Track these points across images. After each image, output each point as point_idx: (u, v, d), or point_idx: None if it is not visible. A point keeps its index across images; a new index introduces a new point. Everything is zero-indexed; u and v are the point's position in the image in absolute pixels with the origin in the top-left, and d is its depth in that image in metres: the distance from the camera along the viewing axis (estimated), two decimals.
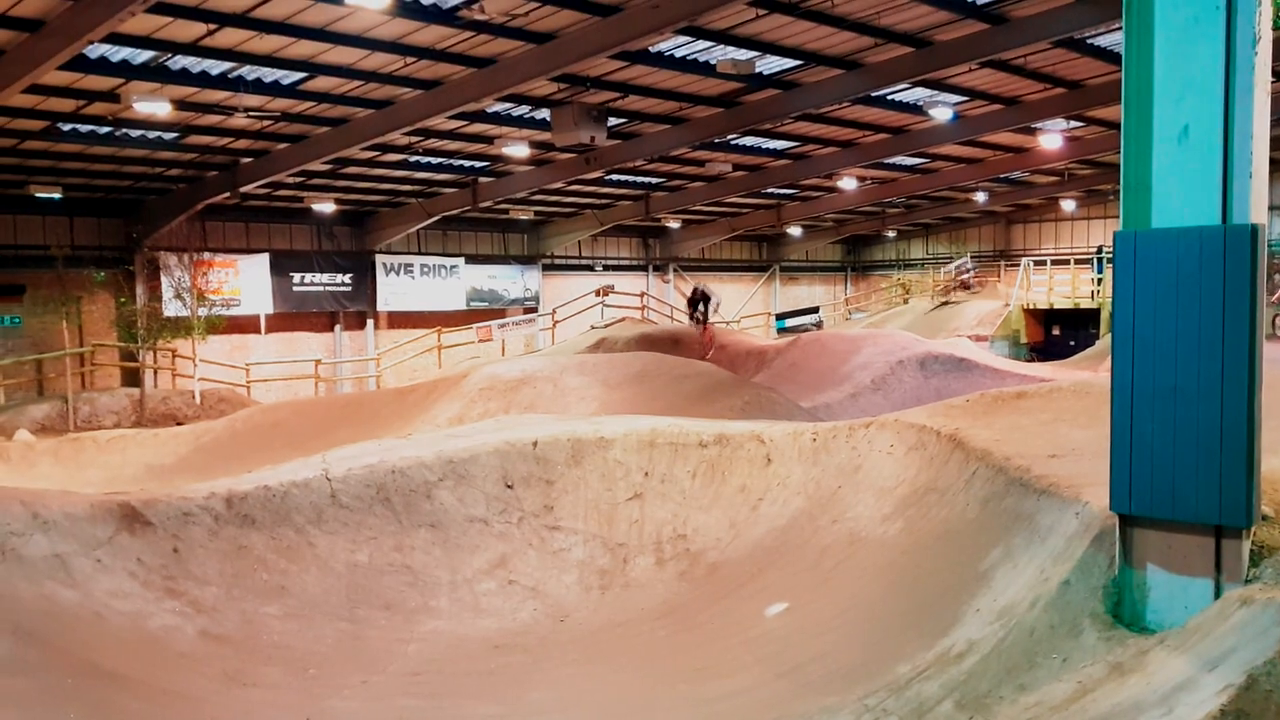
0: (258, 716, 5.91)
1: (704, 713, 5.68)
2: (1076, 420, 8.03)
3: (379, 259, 30.15)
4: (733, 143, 24.95)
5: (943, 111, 21.82)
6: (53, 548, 7.00)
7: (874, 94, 20.36)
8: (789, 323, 36.49)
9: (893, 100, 21.79)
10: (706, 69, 18.02)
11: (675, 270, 38.90)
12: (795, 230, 40.08)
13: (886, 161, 28.03)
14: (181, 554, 7.50)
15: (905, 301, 39.16)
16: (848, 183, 31.43)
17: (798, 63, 18.36)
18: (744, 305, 40.79)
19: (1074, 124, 25.00)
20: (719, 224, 37.43)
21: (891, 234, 44.54)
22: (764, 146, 26.19)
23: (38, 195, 23.02)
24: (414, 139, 21.53)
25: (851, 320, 39.14)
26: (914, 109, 22.25)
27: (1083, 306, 32.03)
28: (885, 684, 5.13)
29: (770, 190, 31.95)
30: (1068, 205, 39.53)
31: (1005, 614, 5.12)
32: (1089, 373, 18.78)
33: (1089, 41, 18.14)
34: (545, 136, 20.75)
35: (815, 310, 37.80)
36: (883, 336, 23.09)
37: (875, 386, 19.66)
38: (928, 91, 21.11)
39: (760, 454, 9.02)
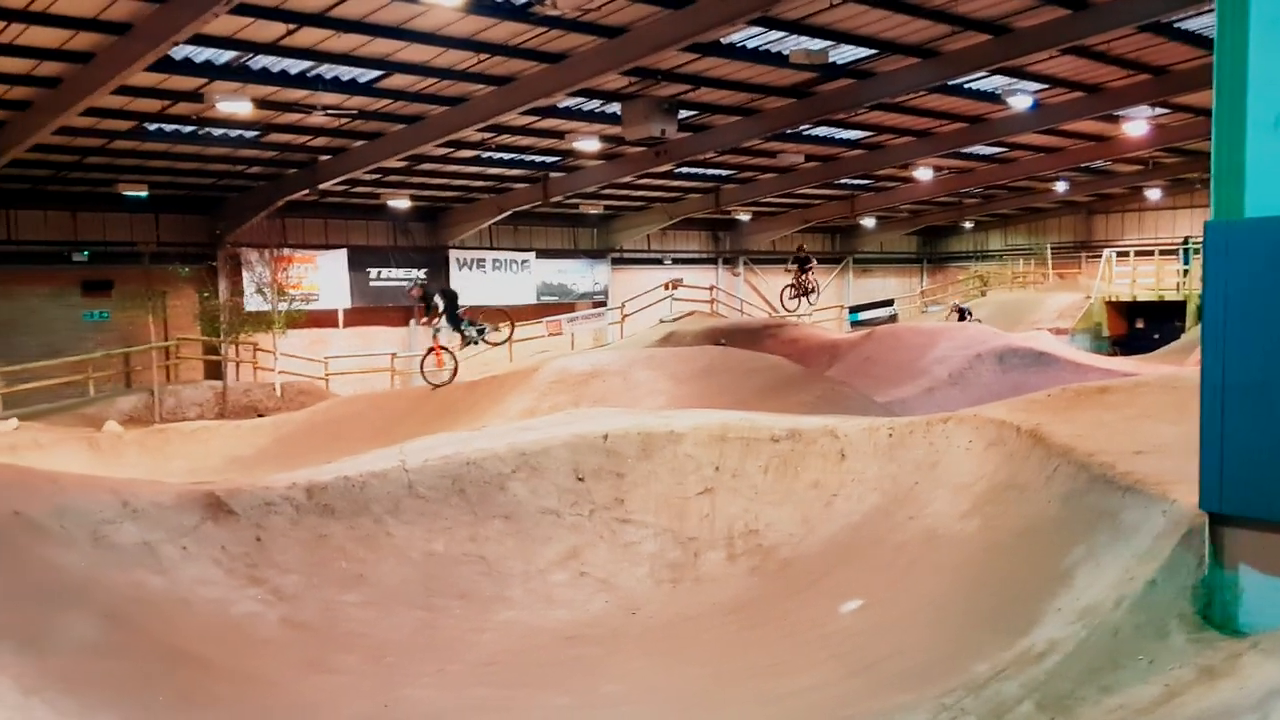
0: (336, 703, 6.01)
1: (776, 709, 5.64)
2: (1163, 416, 7.80)
3: (452, 254, 30.52)
4: (805, 133, 24.74)
5: (1022, 100, 21.38)
6: (142, 535, 7.20)
7: (951, 82, 20.04)
8: (862, 316, 36.06)
9: (970, 89, 21.42)
10: (779, 59, 17.90)
11: (745, 264, 38.68)
12: (869, 222, 39.61)
13: (963, 151, 27.57)
14: (264, 543, 7.66)
15: (983, 294, 38.46)
16: (923, 173, 30.98)
17: (872, 52, 18.14)
18: (817, 298, 40.41)
19: (1160, 111, 24.29)
20: (790, 216, 37.14)
21: (968, 225, 43.77)
22: (837, 137, 25.92)
23: (126, 194, 23.71)
24: (486, 135, 21.73)
25: (927, 313, 38.55)
26: (992, 97, 21.84)
27: (1167, 299, 31.13)
28: (962, 683, 5.04)
29: (843, 181, 31.62)
30: (1152, 194, 38.44)
31: (1088, 614, 5.00)
32: (1175, 367, 18.26)
33: (1176, 25, 17.62)
34: (616, 130, 20.79)
35: (890, 303, 37.30)
36: (960, 330, 22.74)
37: (952, 381, 19.36)
38: (1006, 79, 20.70)
39: (834, 449, 8.92)
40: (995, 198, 39.06)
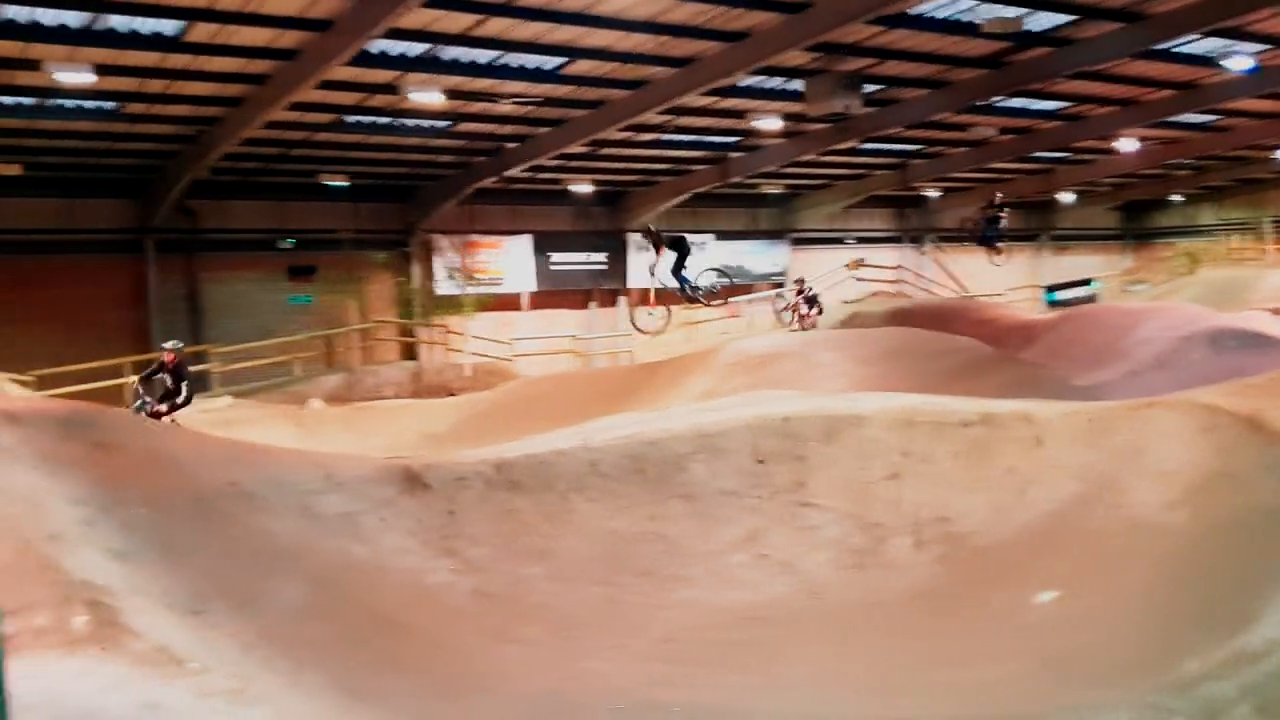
0: (521, 672, 6.19)
1: (965, 699, 5.46)
2: None
3: (631, 237, 30.84)
4: (998, 105, 23.73)
5: (1240, 62, 19.86)
6: (344, 506, 7.61)
7: (1158, 47, 18.78)
8: (1059, 295, 34.37)
9: (1180, 53, 20.03)
10: (970, 29, 17.24)
11: (933, 242, 37.50)
12: (1067, 196, 37.71)
13: (1172, 120, 25.86)
14: (456, 515, 7.97)
15: (1192, 272, 36.02)
16: (1127, 144, 29.17)
17: (1071, 17, 17.24)
18: (1010, 277, 38.81)
19: None
20: (982, 191, 35.77)
21: (1177, 198, 41.05)
22: (1033, 108, 24.76)
23: (327, 184, 24.99)
24: (667, 117, 21.82)
25: (1131, 293, 36.42)
26: (1205, 61, 20.38)
27: None
28: (1169, 681, 4.74)
29: (1039, 154, 30.22)
30: None
31: None
32: None
33: None
34: (798, 108, 20.52)
35: (1089, 282, 35.42)
36: (1167, 310, 21.33)
37: (1158, 364, 18.20)
38: (1222, 41, 19.28)
39: (1029, 435, 8.55)
40: (1207, 169, 36.43)
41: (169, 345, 14.34)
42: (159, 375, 14.22)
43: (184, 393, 14.07)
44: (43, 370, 18.56)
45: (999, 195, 22.50)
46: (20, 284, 21.95)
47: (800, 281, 22.94)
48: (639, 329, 16.96)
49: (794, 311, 22.05)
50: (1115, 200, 40.46)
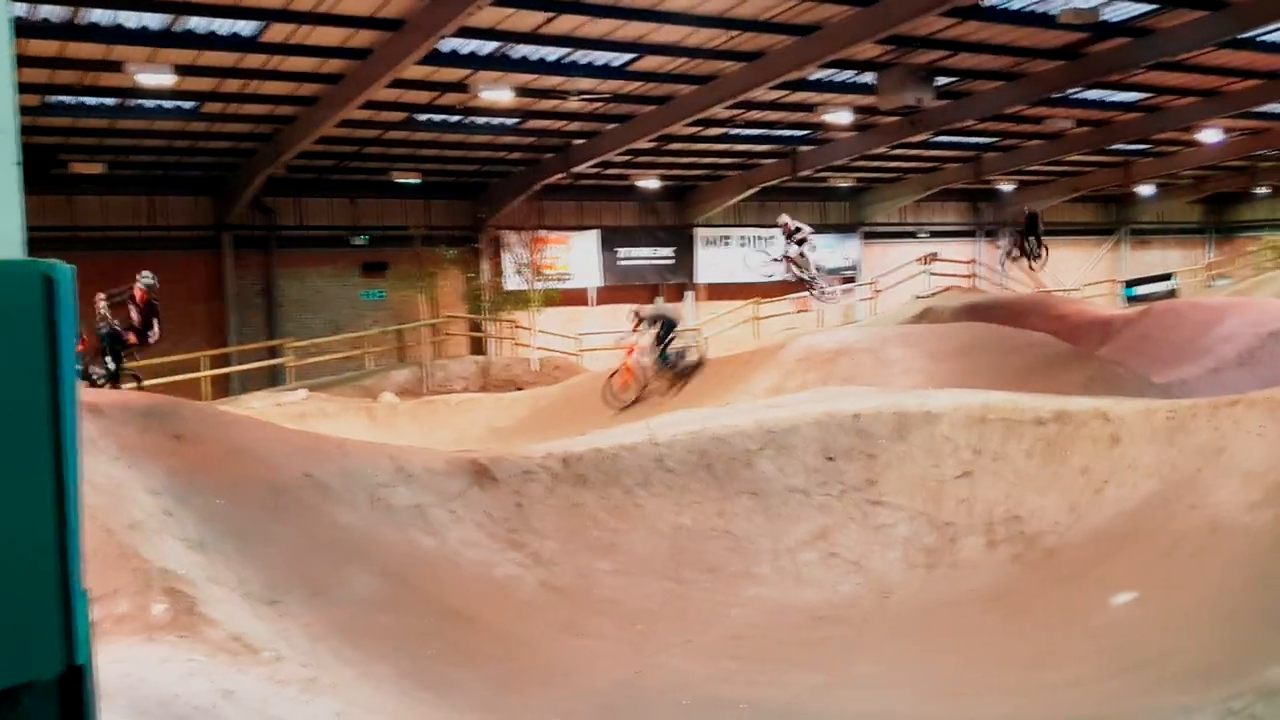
0: (590, 666, 6.21)
1: (1038, 701, 5.35)
2: None
3: (698, 232, 30.77)
4: (1074, 97, 23.22)
5: None
6: (414, 498, 7.70)
7: (1242, 36, 18.21)
8: (1139, 290, 33.53)
9: (1267, 41, 19.40)
10: (1045, 20, 16.88)
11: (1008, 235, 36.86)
12: (1146, 189, 36.78)
13: (1257, 110, 25.04)
14: (523, 509, 8.02)
15: (1278, 266, 34.90)
16: (1209, 135, 28.35)
17: (1151, 7, 16.80)
18: (1087, 272, 38.00)
19: None
20: (1058, 184, 35.04)
21: (1262, 191, 39.79)
22: (1110, 99, 24.19)
23: (399, 181, 25.33)
24: (735, 112, 21.72)
25: (1213, 288, 35.40)
26: None
27: None
28: (1253, 687, 4.59)
29: (1117, 147, 29.49)
30: None
31: None
32: None
33: None
34: (869, 101, 20.29)
35: (1169, 277, 34.50)
36: (1251, 305, 20.67)
37: (1241, 361, 17.66)
38: None
39: (1106, 433, 8.35)
40: None
41: (142, 278, 13.78)
42: (125, 303, 13.59)
43: (155, 329, 13.49)
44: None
45: (1027, 209, 22.79)
46: (103, 279, 22.49)
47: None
48: (610, 402, 16.98)
49: (790, 264, 18.89)
50: (1197, 193, 39.36)
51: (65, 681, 1.18)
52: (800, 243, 17.72)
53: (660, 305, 18.63)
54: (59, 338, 1.16)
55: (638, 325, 17.04)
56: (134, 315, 13.32)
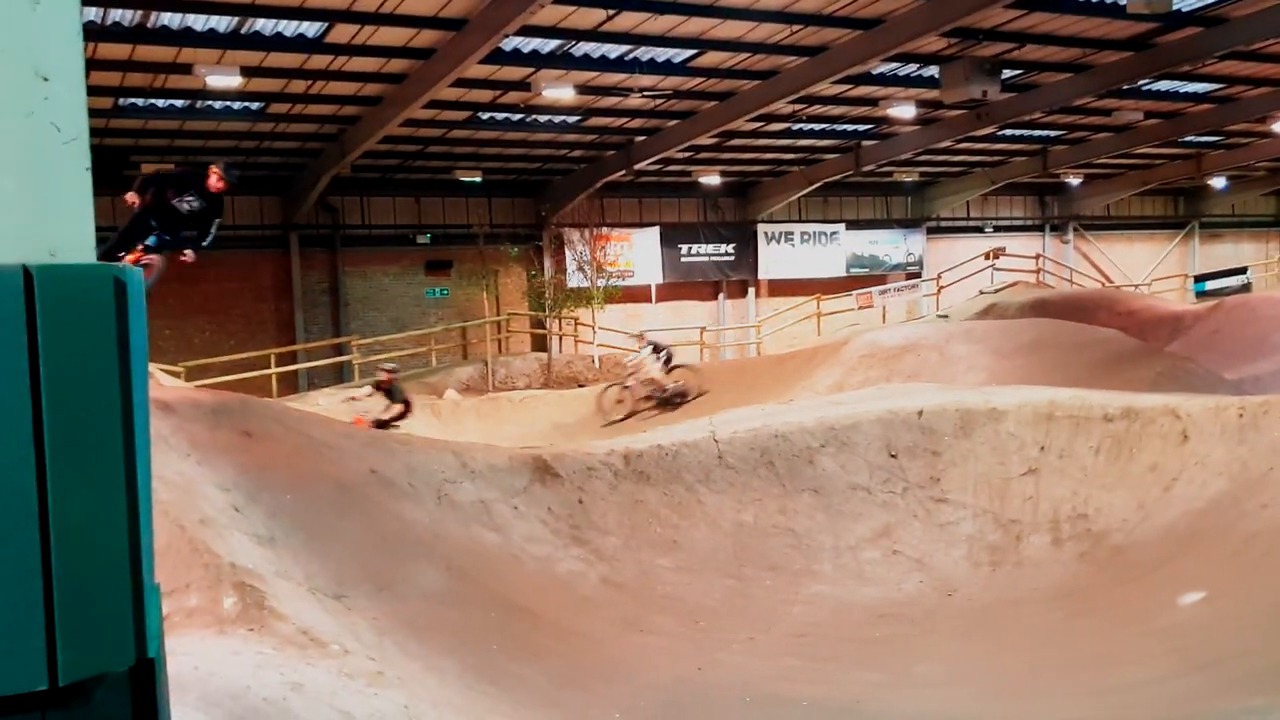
0: (653, 662, 6.23)
1: (1106, 703, 5.26)
2: None
3: (760, 228, 30.61)
4: (1144, 88, 22.67)
5: None
6: (479, 494, 7.79)
7: None
8: (1210, 285, 32.67)
9: None
10: (1114, 10, 16.49)
11: (1075, 230, 36.12)
12: (1219, 182, 35.78)
13: None
14: (585, 505, 8.07)
15: None
16: None
17: None
18: (1156, 266, 37.13)
19: None
20: (1127, 178, 34.24)
21: None
22: (1182, 91, 23.56)
23: (462, 179, 25.57)
24: (797, 107, 21.56)
25: None
26: None
27: None
28: None
29: (1189, 139, 28.74)
30: None
31: None
32: None
33: None
34: (933, 94, 19.99)
35: (1243, 271, 33.58)
36: None
37: None
38: None
39: (1175, 430, 8.18)
40: None
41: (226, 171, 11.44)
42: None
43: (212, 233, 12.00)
44: (194, 361, 19.54)
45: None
46: (174, 279, 23.07)
47: (641, 336, 19.05)
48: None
49: (633, 379, 18.33)
50: (1272, 185, 38.19)
51: (137, 674, 1.22)
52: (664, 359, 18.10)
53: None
54: (130, 339, 1.20)
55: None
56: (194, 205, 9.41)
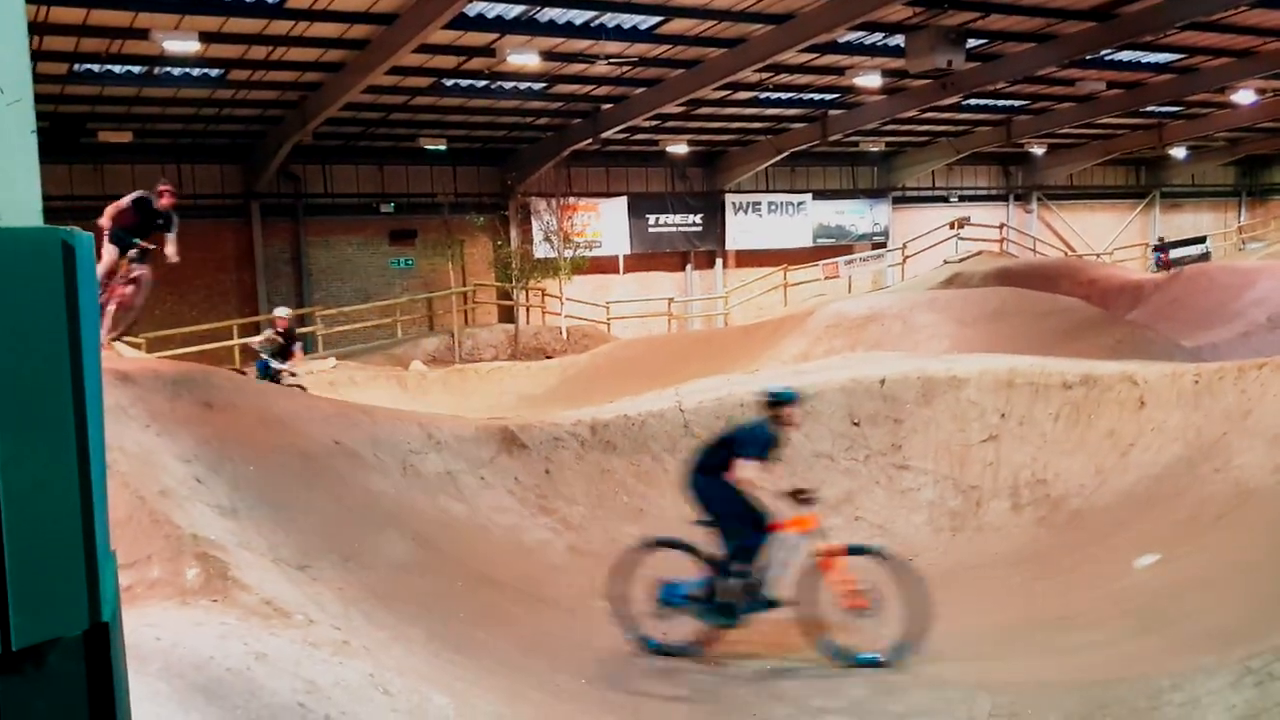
0: (616, 627, 6.28)
1: (1063, 662, 5.38)
2: None
3: (728, 198, 30.59)
4: (1107, 58, 22.82)
5: None
6: (445, 465, 7.78)
7: None
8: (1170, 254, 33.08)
9: None
10: None
11: (1039, 199, 36.41)
12: (1179, 152, 36.17)
13: None
14: (552, 475, 8.10)
15: None
16: (1243, 96, 27.77)
17: None
18: (1118, 235, 37.52)
19: None
20: (1090, 148, 34.53)
21: None
22: (1143, 61, 23.74)
23: (426, 147, 25.31)
24: (764, 75, 21.50)
25: (1245, 251, 34.91)
26: None
27: None
28: (1272, 646, 4.61)
29: (1150, 109, 28.98)
30: None
31: None
32: None
33: None
34: (899, 64, 20.01)
35: (1202, 240, 34.03)
36: None
37: (1272, 324, 17.48)
38: None
39: (1132, 396, 8.31)
40: None
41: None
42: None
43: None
44: (155, 332, 19.27)
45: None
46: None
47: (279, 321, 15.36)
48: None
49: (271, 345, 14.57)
50: (1231, 155, 38.64)
51: (91, 638, 1.22)
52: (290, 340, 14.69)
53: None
54: (79, 303, 1.19)
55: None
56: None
